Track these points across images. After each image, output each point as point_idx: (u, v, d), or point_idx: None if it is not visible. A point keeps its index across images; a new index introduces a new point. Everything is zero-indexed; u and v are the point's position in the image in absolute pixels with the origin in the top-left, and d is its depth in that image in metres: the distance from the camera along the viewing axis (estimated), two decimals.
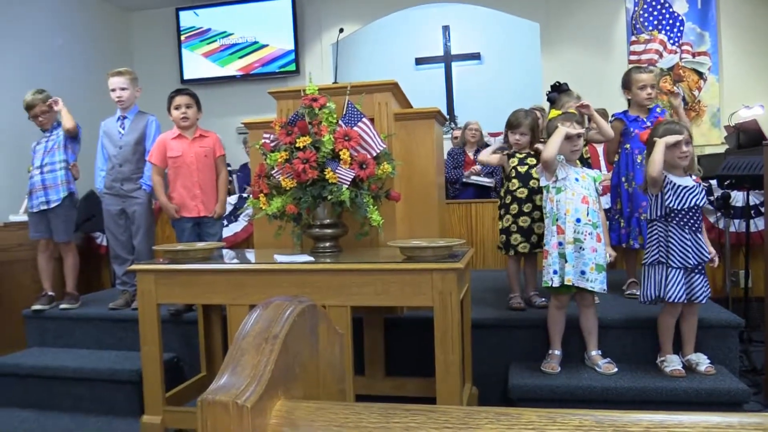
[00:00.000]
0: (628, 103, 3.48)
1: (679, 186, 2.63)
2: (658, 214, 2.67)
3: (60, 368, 3.35)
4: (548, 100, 3.61)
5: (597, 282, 2.63)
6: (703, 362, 2.68)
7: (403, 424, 0.79)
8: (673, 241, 2.62)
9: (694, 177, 2.68)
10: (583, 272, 2.63)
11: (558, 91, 3.47)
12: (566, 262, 2.63)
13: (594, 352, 2.79)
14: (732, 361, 2.86)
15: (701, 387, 2.56)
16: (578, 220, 2.65)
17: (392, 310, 3.07)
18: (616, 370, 2.72)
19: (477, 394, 2.96)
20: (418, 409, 0.82)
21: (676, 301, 2.59)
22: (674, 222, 2.63)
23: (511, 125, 3.25)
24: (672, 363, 2.69)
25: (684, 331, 2.72)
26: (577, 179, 2.71)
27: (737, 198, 4.11)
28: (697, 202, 2.62)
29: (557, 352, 2.82)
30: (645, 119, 3.34)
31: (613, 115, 3.49)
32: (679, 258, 2.60)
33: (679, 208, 2.62)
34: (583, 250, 2.63)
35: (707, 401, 2.52)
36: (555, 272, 2.67)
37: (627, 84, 3.40)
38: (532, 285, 3.31)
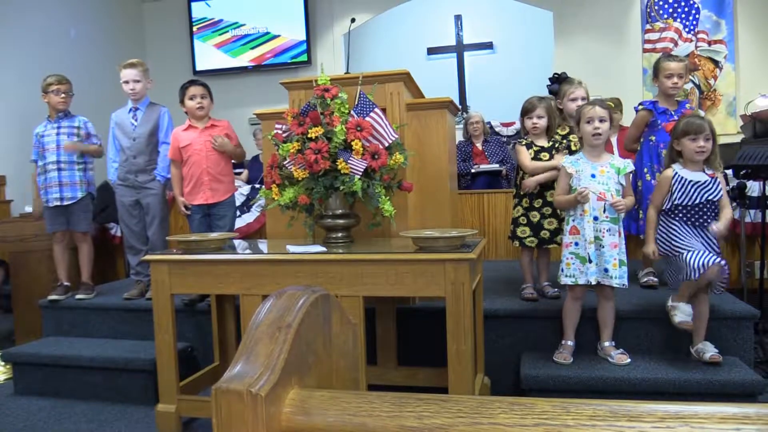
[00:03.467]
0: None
1: (687, 181, 2.60)
2: (666, 207, 2.67)
3: (76, 357, 3.39)
4: (550, 92, 3.58)
5: (620, 278, 2.61)
6: (708, 350, 2.65)
7: (417, 413, 0.80)
8: (678, 233, 2.62)
9: (709, 171, 2.63)
10: (606, 270, 2.61)
11: (558, 81, 3.43)
12: (590, 262, 2.61)
13: (607, 343, 2.77)
14: (746, 353, 2.83)
15: (715, 378, 2.55)
16: (596, 218, 2.62)
17: (404, 300, 3.08)
18: (629, 360, 2.70)
19: (489, 385, 2.96)
20: (431, 398, 0.82)
21: (702, 271, 2.45)
22: (678, 216, 2.62)
23: (526, 110, 3.22)
24: (681, 314, 2.60)
25: (694, 322, 2.69)
26: (593, 175, 2.66)
27: (753, 188, 4.06)
28: (708, 197, 2.59)
29: (570, 343, 2.81)
30: (673, 113, 3.29)
31: (641, 104, 3.44)
32: (687, 244, 2.59)
33: (684, 203, 2.60)
34: (603, 247, 2.61)
35: (721, 392, 2.50)
36: (561, 270, 2.69)
37: (656, 72, 3.35)
38: (545, 276, 3.30)
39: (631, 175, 2.74)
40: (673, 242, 2.64)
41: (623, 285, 2.62)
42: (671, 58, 3.33)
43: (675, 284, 2.67)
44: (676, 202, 2.63)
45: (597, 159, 2.71)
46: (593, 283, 2.62)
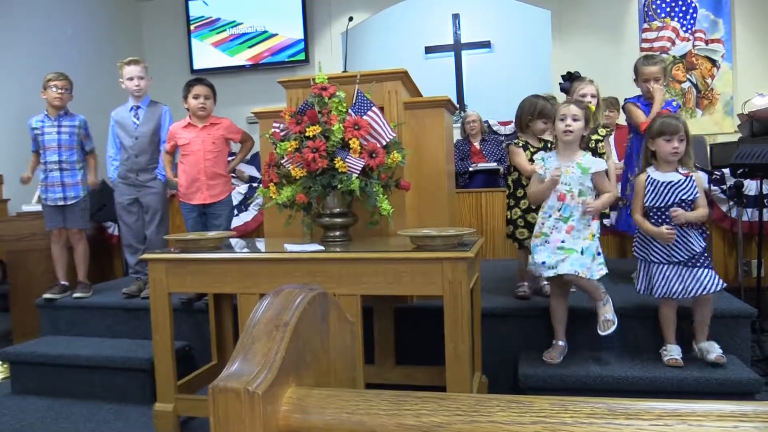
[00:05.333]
0: None
1: (659, 183, 2.60)
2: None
3: (74, 356, 3.39)
4: (561, 90, 3.58)
5: (560, 265, 2.58)
6: (714, 351, 2.65)
7: (414, 411, 0.80)
8: (653, 242, 2.62)
9: (683, 170, 2.61)
10: (543, 262, 2.63)
11: (570, 79, 3.44)
12: (532, 254, 2.69)
13: (561, 342, 2.81)
14: (744, 351, 2.84)
15: (712, 376, 2.55)
16: (549, 216, 2.66)
17: (402, 299, 3.08)
18: (614, 327, 2.61)
19: (487, 383, 2.96)
20: (429, 397, 0.82)
21: (661, 297, 2.62)
22: (654, 218, 2.61)
23: (545, 114, 3.15)
24: (671, 352, 2.67)
25: (696, 319, 2.69)
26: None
27: (750, 187, 4.07)
28: (682, 197, 2.57)
29: (561, 343, 2.80)
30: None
31: (625, 100, 3.47)
32: (662, 255, 2.60)
33: (657, 205, 2.59)
34: (548, 243, 2.64)
35: (719, 391, 2.51)
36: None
37: (635, 74, 3.39)
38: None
39: (604, 173, 2.69)
40: (650, 249, 2.64)
41: (556, 273, 2.59)
42: (648, 62, 3.34)
43: (643, 289, 2.68)
44: (647, 205, 2.62)
45: (566, 159, 2.69)
46: (535, 275, 2.72)
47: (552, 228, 2.64)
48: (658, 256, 2.62)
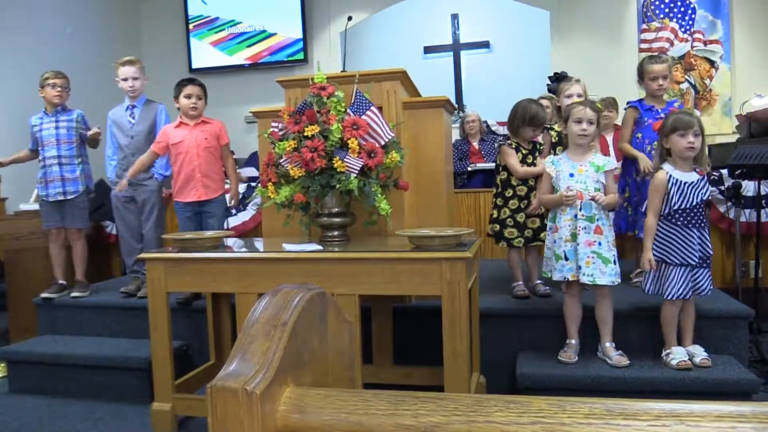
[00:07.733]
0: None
1: (683, 183, 2.57)
2: (663, 212, 2.62)
3: (71, 356, 3.38)
4: (549, 90, 3.59)
5: (598, 275, 2.59)
6: (699, 354, 2.65)
7: (413, 412, 0.80)
8: (676, 239, 2.59)
9: (698, 170, 2.60)
10: (579, 267, 2.62)
11: (558, 80, 3.44)
12: (566, 259, 2.64)
13: (608, 344, 2.76)
14: (741, 352, 2.84)
15: (710, 377, 2.55)
16: (575, 216, 2.64)
17: (400, 299, 3.08)
18: (628, 362, 2.68)
19: (485, 383, 2.96)
20: (427, 397, 0.82)
21: (674, 299, 2.59)
22: (680, 221, 2.58)
23: (536, 122, 3.15)
24: (678, 355, 2.65)
25: (682, 322, 2.69)
26: (572, 174, 2.67)
27: (748, 188, 4.07)
28: (702, 198, 2.57)
29: (573, 342, 2.79)
30: (660, 110, 3.30)
31: (627, 103, 3.46)
32: (680, 256, 2.57)
33: (683, 207, 2.57)
34: (579, 244, 2.62)
35: (716, 391, 2.51)
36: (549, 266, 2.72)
37: (640, 74, 3.37)
38: (536, 274, 3.30)
39: (615, 172, 2.73)
40: (670, 250, 2.60)
41: (611, 282, 2.61)
42: (654, 61, 3.33)
43: (653, 290, 2.67)
44: (675, 207, 2.57)
45: (578, 158, 2.71)
46: (570, 279, 2.65)
47: (580, 229, 2.63)
48: (676, 258, 2.58)
